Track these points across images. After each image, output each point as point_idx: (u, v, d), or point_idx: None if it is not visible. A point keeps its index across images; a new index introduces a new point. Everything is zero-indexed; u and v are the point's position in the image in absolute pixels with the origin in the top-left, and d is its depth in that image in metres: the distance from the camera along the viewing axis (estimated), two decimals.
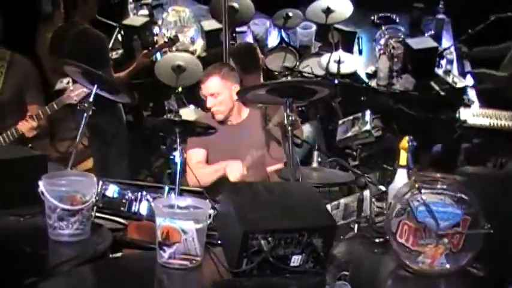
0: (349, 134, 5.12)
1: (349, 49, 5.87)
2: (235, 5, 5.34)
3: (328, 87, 3.22)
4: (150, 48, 5.81)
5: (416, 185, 2.80)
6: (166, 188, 3.23)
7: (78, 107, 3.47)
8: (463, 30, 5.94)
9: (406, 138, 3.37)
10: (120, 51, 6.03)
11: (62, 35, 5.08)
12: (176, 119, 3.39)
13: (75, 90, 4.15)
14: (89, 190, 2.83)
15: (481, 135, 5.35)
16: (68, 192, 2.76)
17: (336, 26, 5.79)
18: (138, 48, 5.96)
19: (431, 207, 2.73)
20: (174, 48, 6.05)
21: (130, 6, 6.42)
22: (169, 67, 5.61)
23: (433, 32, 6.01)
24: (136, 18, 6.16)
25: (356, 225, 3.36)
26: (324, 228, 2.44)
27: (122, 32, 6.08)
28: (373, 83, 5.57)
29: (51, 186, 2.76)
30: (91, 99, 3.45)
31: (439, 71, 5.44)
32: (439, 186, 2.82)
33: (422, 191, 2.68)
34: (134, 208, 3.32)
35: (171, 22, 6.27)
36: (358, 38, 6.03)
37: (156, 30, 6.24)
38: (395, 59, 5.53)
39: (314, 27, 6.02)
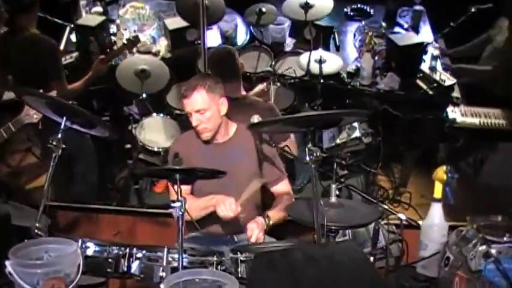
0: (338, 141, 4.48)
1: (325, 45, 5.15)
2: (205, 1, 4.53)
3: (359, 115, 2.51)
4: (108, 51, 4.96)
5: (480, 235, 2.17)
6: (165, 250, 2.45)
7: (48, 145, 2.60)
8: (440, 22, 5.39)
9: (444, 168, 2.77)
10: (74, 54, 5.14)
11: (4, 43, 4.20)
12: (177, 167, 2.56)
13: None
14: (73, 265, 2.06)
15: (469, 134, 4.84)
16: (47, 274, 1.99)
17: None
18: (95, 51, 5.06)
19: (503, 265, 2.12)
20: (134, 50, 5.20)
21: (82, 3, 5.49)
22: (132, 72, 4.82)
23: (409, 24, 5.37)
24: (91, 17, 5.23)
25: (372, 258, 2.80)
26: None
27: (75, 32, 5.13)
28: (354, 82, 4.87)
29: (23, 267, 1.98)
30: (59, 136, 2.64)
31: (424, 68, 4.82)
32: (506, 238, 2.21)
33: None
34: (123, 267, 2.56)
35: (129, 20, 5.37)
36: (334, 33, 5.29)
37: (113, 29, 5.32)
38: (377, 56, 4.90)
39: (287, 23, 5.27)
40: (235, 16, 5.33)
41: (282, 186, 3.44)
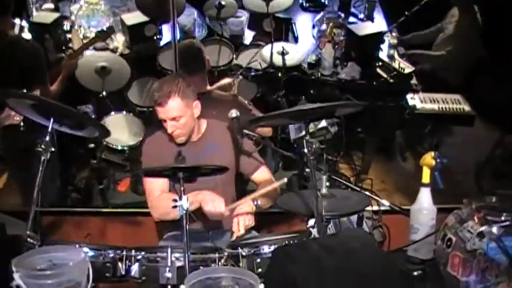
0: (304, 132, 4.45)
1: (284, 37, 5.15)
2: None
3: (355, 107, 2.53)
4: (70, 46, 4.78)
5: (480, 215, 2.25)
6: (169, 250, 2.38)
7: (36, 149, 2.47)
8: (392, 11, 5.52)
9: (432, 154, 2.83)
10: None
11: None
12: (181, 165, 2.49)
13: None
14: (83, 273, 1.98)
15: (429, 121, 4.99)
16: (60, 285, 1.90)
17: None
18: (51, 49, 4.86)
19: (504, 243, 2.20)
20: (91, 47, 5.03)
21: None
22: (92, 69, 4.69)
23: (364, 13, 5.45)
24: (45, 14, 5.03)
25: None
26: None
27: (30, 30, 4.89)
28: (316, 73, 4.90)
29: (33, 278, 1.88)
30: (47, 138, 2.51)
31: (383, 56, 4.91)
32: (503, 217, 2.31)
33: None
34: (121, 271, 2.49)
35: (83, 16, 5.18)
36: (293, 25, 5.30)
37: (67, 26, 5.12)
38: (337, 46, 4.93)
39: (245, 15, 5.23)
40: (193, 10, 5.25)
41: (262, 174, 3.40)
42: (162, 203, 3.09)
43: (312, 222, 3.63)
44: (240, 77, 4.88)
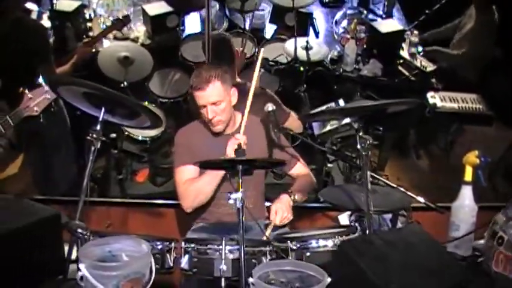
0: (329, 127, 4.44)
1: (305, 31, 5.13)
2: None
3: (410, 104, 2.53)
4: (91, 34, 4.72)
5: None
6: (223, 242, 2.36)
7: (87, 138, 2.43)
8: (410, 9, 5.51)
9: (475, 153, 2.83)
10: (50, 40, 4.79)
11: None
12: (240, 158, 2.46)
13: (35, 98, 2.99)
14: (147, 265, 1.96)
15: (450, 119, 4.99)
16: (126, 277, 1.87)
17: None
18: (71, 37, 4.82)
19: None
20: (111, 36, 4.98)
21: None
22: (115, 59, 4.64)
23: (383, 10, 5.44)
24: (67, 2, 4.95)
25: None
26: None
27: (50, 18, 4.83)
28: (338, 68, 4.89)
29: (100, 270, 1.84)
30: (98, 128, 2.46)
31: (404, 54, 4.90)
32: None
33: None
34: (169, 262, 2.47)
35: (104, 5, 5.12)
36: (313, 20, 5.28)
37: (88, 15, 5.06)
38: (358, 43, 4.92)
39: (268, 9, 5.19)
40: (215, 2, 5.20)
41: (299, 169, 3.36)
42: (191, 188, 3.08)
43: (342, 218, 3.69)
44: (262, 70, 4.86)
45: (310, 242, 2.56)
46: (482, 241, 2.90)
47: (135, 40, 5.04)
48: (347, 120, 4.49)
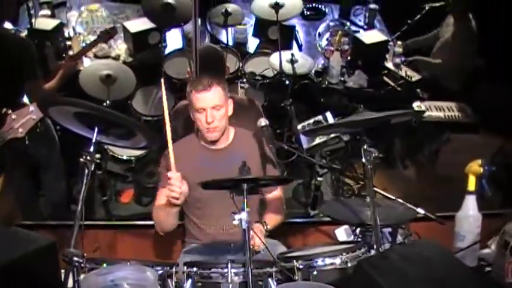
0: (318, 140, 4.35)
1: (288, 45, 5.06)
2: (171, 1, 4.27)
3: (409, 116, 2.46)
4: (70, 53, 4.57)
5: None
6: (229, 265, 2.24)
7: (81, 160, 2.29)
8: (391, 19, 5.50)
9: (478, 162, 2.77)
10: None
11: None
12: (245, 177, 2.34)
13: (19, 118, 2.77)
14: None
15: (436, 128, 4.96)
16: None
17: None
18: (51, 56, 4.66)
19: None
20: (91, 55, 4.85)
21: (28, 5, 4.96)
22: (97, 77, 4.49)
23: (364, 22, 5.41)
24: (45, 21, 4.80)
25: None
26: None
27: (29, 36, 4.65)
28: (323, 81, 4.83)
29: None
30: (91, 149, 2.33)
31: (389, 65, 4.86)
32: None
33: None
34: None
35: (82, 23, 4.98)
36: (296, 33, 5.22)
37: (67, 33, 4.91)
38: (343, 55, 4.86)
39: (251, 22, 5.11)
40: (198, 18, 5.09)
41: (277, 192, 3.23)
42: (154, 216, 3.02)
43: (339, 232, 3.59)
44: (247, 85, 4.77)
45: (316, 261, 2.47)
46: (487, 250, 2.85)
47: (116, 58, 4.91)
48: (336, 133, 4.44)
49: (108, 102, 4.43)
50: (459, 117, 4.87)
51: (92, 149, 2.35)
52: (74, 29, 4.95)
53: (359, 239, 2.81)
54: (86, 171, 2.33)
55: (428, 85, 5.10)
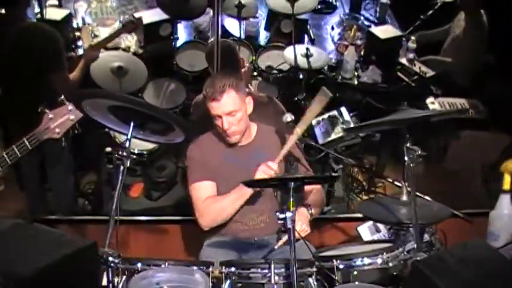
0: (333, 136, 4.29)
1: (300, 39, 4.97)
2: None
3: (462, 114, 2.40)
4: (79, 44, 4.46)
5: None
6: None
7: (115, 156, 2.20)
8: (402, 14, 5.44)
9: None
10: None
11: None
12: (291, 176, 2.27)
13: (56, 118, 2.61)
14: None
15: (447, 124, 4.91)
16: None
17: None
18: None
19: None
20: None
21: None
22: (108, 69, 4.40)
23: (375, 16, 5.35)
24: (55, 11, 4.68)
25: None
26: None
27: None
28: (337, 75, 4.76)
29: None
30: (127, 145, 2.24)
31: (403, 60, 4.80)
32: None
33: None
34: None
35: (91, 14, 4.86)
36: (308, 27, 5.14)
37: (76, 24, 4.79)
38: (356, 50, 4.79)
39: (263, 15, 5.02)
40: (209, 10, 4.99)
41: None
42: (212, 207, 2.93)
43: (363, 230, 3.53)
44: (260, 78, 4.69)
45: (355, 260, 2.40)
46: None
47: (126, 50, 4.79)
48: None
49: None
50: (471, 113, 4.80)
51: (127, 145, 2.26)
52: (83, 20, 4.82)
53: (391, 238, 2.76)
54: (121, 167, 2.24)
55: (441, 81, 5.05)
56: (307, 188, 3.11)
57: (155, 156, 4.62)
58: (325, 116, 4.41)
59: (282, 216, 2.13)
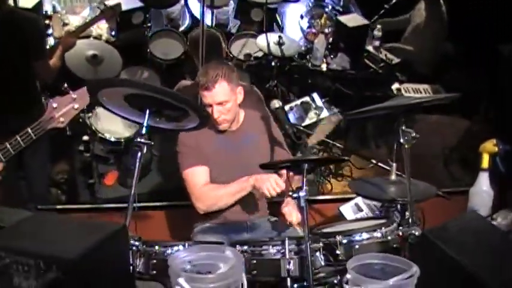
0: (308, 121, 4.53)
1: (271, 27, 5.16)
2: None
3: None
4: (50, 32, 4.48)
5: None
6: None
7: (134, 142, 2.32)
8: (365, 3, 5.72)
9: (493, 141, 3.01)
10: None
11: None
12: (305, 158, 2.45)
13: (60, 107, 2.67)
14: (241, 277, 1.95)
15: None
16: (228, 286, 1.86)
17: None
18: None
19: None
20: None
21: None
22: (83, 57, 4.45)
23: (339, 5, 5.59)
24: None
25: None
26: None
27: None
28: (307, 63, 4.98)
29: (199, 282, 1.82)
30: (143, 132, 2.36)
31: (369, 48, 5.07)
32: None
33: None
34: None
35: (60, 1, 4.88)
36: (277, 15, 5.33)
37: (45, 11, 4.79)
38: (325, 38, 5.03)
39: (232, 4, 5.16)
40: None
41: None
42: (211, 194, 3.06)
43: (345, 209, 3.78)
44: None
45: (355, 236, 2.61)
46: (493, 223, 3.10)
47: (97, 38, 4.83)
48: (325, 114, 4.62)
49: None
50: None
51: (143, 131, 2.37)
52: (53, 7, 4.83)
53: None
54: (139, 154, 2.36)
55: (405, 69, 5.34)
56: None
57: (128, 145, 4.70)
58: (298, 102, 4.64)
59: (295, 195, 2.32)
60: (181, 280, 1.80)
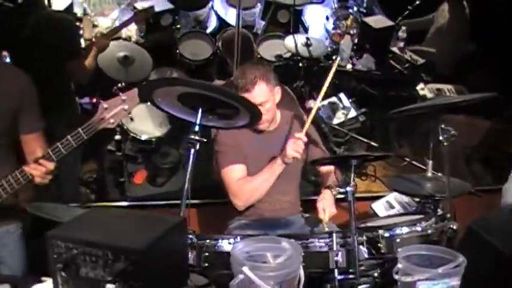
0: (335, 121, 4.66)
1: (297, 28, 5.30)
2: None
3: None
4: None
5: None
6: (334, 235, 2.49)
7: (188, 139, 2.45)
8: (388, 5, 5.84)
9: None
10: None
11: (18, 22, 3.65)
12: (353, 154, 2.59)
13: (111, 108, 2.70)
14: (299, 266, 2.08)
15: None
16: (288, 275, 1.99)
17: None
18: None
19: None
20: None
21: None
22: (115, 58, 4.59)
23: (363, 7, 5.72)
24: (59, 0, 4.79)
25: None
26: None
27: None
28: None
29: (263, 271, 1.95)
30: (197, 129, 2.50)
31: (394, 49, 5.21)
32: None
33: None
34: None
35: (89, 4, 5.04)
36: (302, 17, 5.47)
37: (76, 12, 4.95)
38: (351, 39, 5.17)
39: (259, 6, 5.31)
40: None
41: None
42: (246, 187, 3.17)
43: (377, 207, 3.91)
44: None
45: (394, 230, 2.74)
46: None
47: (127, 39, 4.99)
48: (353, 114, 4.75)
49: (123, 84, 4.53)
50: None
51: (197, 129, 2.50)
52: (84, 10, 4.98)
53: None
54: (192, 150, 2.49)
55: (430, 69, 5.46)
56: (324, 169, 3.44)
57: (158, 144, 4.85)
58: (325, 102, 4.77)
59: (342, 190, 2.45)
60: (245, 269, 1.93)
